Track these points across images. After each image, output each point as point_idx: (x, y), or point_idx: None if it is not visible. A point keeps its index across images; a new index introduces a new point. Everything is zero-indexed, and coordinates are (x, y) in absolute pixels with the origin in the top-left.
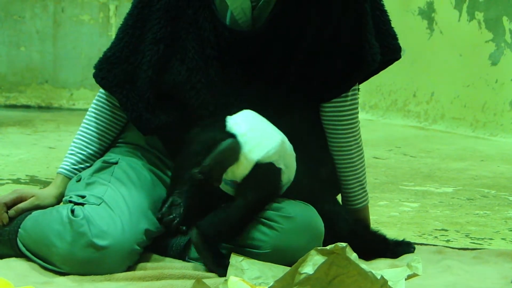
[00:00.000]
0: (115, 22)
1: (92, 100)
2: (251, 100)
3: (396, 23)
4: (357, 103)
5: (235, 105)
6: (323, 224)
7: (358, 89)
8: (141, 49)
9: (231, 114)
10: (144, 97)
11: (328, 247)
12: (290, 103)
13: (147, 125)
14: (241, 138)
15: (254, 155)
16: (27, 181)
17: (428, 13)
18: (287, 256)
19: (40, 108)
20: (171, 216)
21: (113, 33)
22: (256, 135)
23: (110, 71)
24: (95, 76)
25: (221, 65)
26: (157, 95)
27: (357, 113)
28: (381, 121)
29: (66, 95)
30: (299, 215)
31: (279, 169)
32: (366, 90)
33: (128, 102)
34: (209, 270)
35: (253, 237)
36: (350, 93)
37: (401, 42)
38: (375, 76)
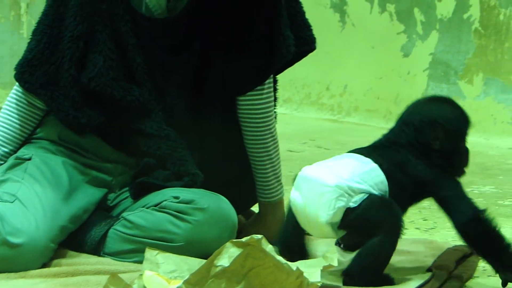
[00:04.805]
0: (27, 20)
1: (4, 99)
2: (174, 91)
3: (308, 17)
4: (272, 96)
5: (161, 95)
6: (236, 215)
7: (276, 81)
8: (60, 48)
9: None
10: (69, 96)
11: (243, 239)
12: (210, 96)
13: (76, 124)
14: None
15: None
16: None
17: (340, 6)
18: (201, 248)
19: None
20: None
21: (24, 31)
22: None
23: (33, 74)
24: (18, 80)
25: (141, 55)
26: (82, 92)
27: (273, 106)
28: (295, 115)
29: None
30: (211, 207)
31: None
32: (280, 84)
33: (54, 103)
34: None
35: (166, 230)
36: (265, 86)
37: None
38: (288, 70)
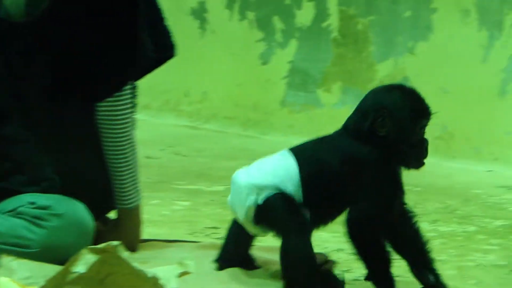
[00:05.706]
0: None
1: None
2: (33, 96)
3: (168, 23)
4: (130, 102)
5: (20, 99)
6: (92, 221)
7: (136, 87)
8: None
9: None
10: None
11: (100, 246)
12: (69, 102)
13: None
14: None
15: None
16: None
17: (200, 13)
18: (57, 255)
19: None
20: None
21: None
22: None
23: None
24: None
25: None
26: None
27: (131, 113)
28: (153, 121)
29: None
30: (68, 212)
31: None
32: (139, 90)
33: None
34: None
35: (21, 236)
36: (124, 93)
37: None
38: (147, 76)
